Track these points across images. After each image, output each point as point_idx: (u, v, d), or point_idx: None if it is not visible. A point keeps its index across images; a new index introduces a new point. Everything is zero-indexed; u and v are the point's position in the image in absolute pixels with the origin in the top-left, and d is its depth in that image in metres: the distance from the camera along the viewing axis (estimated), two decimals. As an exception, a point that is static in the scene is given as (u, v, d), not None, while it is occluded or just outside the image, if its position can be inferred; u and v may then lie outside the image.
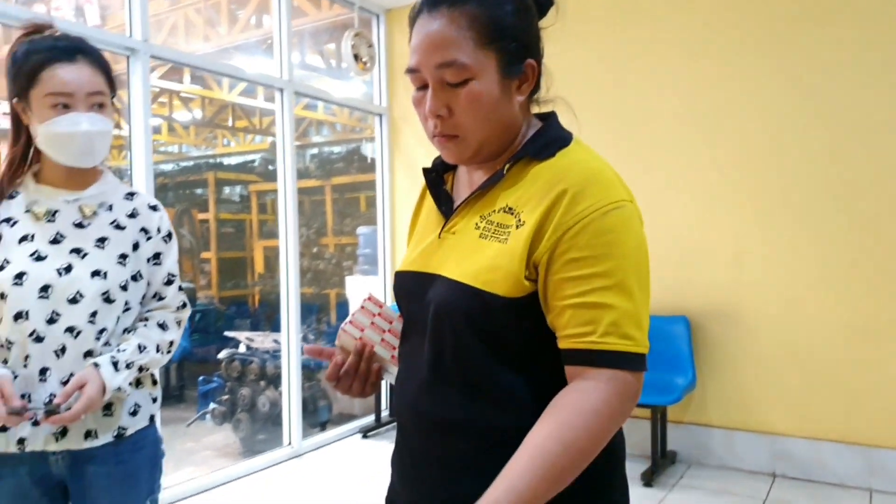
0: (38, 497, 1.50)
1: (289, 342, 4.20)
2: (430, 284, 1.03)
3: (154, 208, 1.64)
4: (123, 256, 1.54)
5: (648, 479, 3.57)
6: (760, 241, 3.73)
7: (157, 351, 1.57)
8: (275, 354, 4.71)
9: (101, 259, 1.51)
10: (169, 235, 1.65)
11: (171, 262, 1.65)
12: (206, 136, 8.30)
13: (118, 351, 1.50)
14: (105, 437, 1.51)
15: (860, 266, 3.51)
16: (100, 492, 1.52)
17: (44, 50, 1.47)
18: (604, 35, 4.11)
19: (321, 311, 6.39)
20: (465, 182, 1.11)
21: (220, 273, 7.19)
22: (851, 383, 3.53)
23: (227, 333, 5.57)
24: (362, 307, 1.14)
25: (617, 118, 4.07)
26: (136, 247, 1.57)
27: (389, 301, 4.66)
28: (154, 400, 1.63)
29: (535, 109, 1.09)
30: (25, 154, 1.56)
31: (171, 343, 1.61)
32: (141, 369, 1.54)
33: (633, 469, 3.65)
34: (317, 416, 4.75)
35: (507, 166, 1.01)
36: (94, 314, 1.48)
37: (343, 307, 6.22)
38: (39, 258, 1.47)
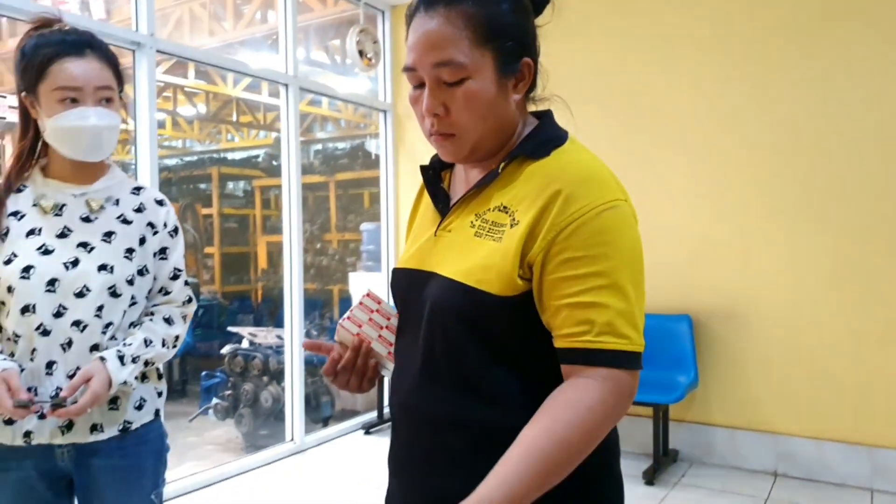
0: (43, 490, 1.51)
1: (292, 338, 4.20)
2: (425, 282, 1.04)
3: (160, 203, 1.65)
4: (130, 251, 1.54)
5: (650, 478, 3.57)
6: (766, 241, 3.73)
7: (163, 345, 1.57)
8: (278, 350, 4.72)
9: (107, 253, 1.52)
10: (175, 230, 1.65)
11: (177, 257, 1.65)
12: (210, 131, 8.31)
13: (124, 345, 1.50)
14: (110, 431, 1.51)
15: (865, 266, 3.50)
16: (105, 485, 1.52)
17: (53, 44, 1.47)
18: (615, 34, 4.10)
19: (324, 307, 6.40)
20: (461, 180, 1.12)
21: (223, 268, 7.21)
22: (855, 383, 3.52)
23: (230, 329, 5.59)
24: (361, 303, 1.14)
25: (625, 117, 4.06)
26: (142, 241, 1.58)
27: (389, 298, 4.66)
28: (159, 394, 1.63)
29: (532, 107, 1.09)
30: (33, 148, 1.56)
31: (177, 337, 1.62)
32: (147, 363, 1.54)
33: (635, 467, 3.66)
34: (319, 412, 4.76)
35: (501, 165, 1.02)
36: (100, 308, 1.49)
37: (346, 303, 6.24)
38: (47, 252, 1.48)
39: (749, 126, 3.76)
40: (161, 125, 7.16)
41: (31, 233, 1.49)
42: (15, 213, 1.51)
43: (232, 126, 8.04)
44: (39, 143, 1.56)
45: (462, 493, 0.87)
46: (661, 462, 3.70)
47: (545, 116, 1.08)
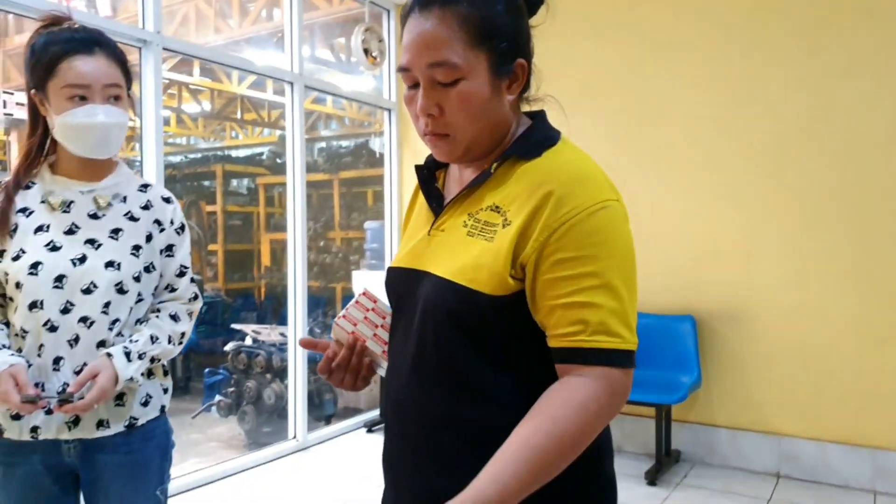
0: (49, 484, 1.52)
1: (295, 335, 4.21)
2: (418, 281, 1.05)
3: (167, 200, 1.66)
4: (137, 248, 1.55)
5: (652, 478, 3.57)
6: (769, 242, 3.73)
7: (169, 342, 1.58)
8: (281, 347, 4.73)
9: (114, 250, 1.52)
10: (182, 227, 1.66)
11: (183, 254, 1.66)
12: (214, 128, 8.32)
13: (131, 341, 1.51)
14: (117, 427, 1.52)
15: (869, 268, 3.50)
16: (110, 481, 1.54)
17: (62, 42, 1.48)
18: (619, 35, 4.10)
19: (327, 305, 6.41)
20: (455, 180, 1.13)
21: (226, 265, 7.22)
22: (858, 385, 3.52)
23: (234, 326, 5.60)
24: (357, 302, 1.15)
25: (628, 118, 4.05)
26: (149, 238, 1.58)
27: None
28: (165, 391, 1.65)
29: (526, 108, 1.10)
30: (42, 145, 1.57)
31: (183, 334, 1.63)
32: (153, 360, 1.55)
33: (637, 467, 3.67)
34: (322, 410, 4.77)
35: (494, 165, 1.03)
36: (107, 304, 1.50)
37: (349, 301, 6.23)
38: (54, 248, 1.49)
39: (752, 126, 3.75)
40: (166, 122, 7.18)
41: (39, 229, 1.50)
42: (23, 210, 1.52)
43: (236, 123, 8.05)
44: (48, 141, 1.57)
45: (454, 491, 0.87)
46: (664, 462, 3.70)
47: (538, 117, 1.09)
